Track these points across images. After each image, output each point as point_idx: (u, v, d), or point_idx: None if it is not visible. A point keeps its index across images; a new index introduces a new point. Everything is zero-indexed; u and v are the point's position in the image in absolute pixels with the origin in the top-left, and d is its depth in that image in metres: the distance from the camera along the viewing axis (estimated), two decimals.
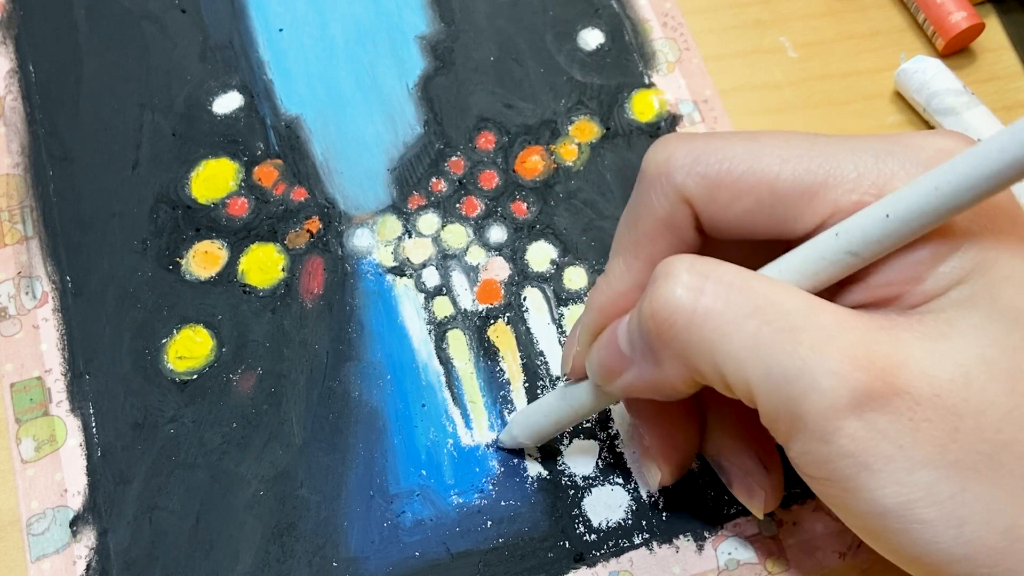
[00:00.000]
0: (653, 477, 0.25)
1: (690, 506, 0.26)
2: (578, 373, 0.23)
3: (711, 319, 0.18)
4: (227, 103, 0.31)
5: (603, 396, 0.23)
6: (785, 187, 0.19)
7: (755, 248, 0.21)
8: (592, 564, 0.25)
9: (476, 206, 0.30)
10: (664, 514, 0.26)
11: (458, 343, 0.28)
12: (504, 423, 0.27)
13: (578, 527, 0.26)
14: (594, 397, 0.23)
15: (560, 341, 0.28)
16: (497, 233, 0.30)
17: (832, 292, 0.19)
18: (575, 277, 0.29)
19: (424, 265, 0.29)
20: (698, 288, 0.18)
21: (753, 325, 0.18)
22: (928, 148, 0.18)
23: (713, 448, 0.24)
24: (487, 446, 0.27)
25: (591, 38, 0.33)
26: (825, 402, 0.17)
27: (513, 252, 0.29)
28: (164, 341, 0.28)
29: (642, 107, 0.32)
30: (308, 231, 0.29)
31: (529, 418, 0.25)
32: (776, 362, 0.17)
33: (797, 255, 0.19)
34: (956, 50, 0.33)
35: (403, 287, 0.29)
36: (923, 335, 0.17)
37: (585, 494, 0.26)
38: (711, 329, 0.18)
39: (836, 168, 0.18)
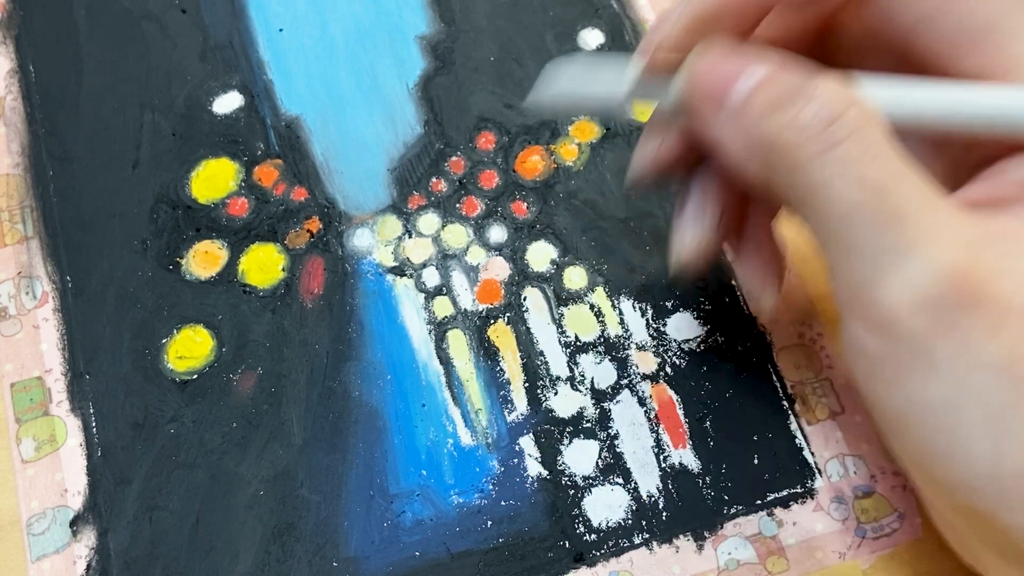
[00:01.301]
0: (691, 240, 0.23)
1: (690, 506, 0.26)
2: (660, 63, 0.21)
3: (828, 170, 0.17)
4: (227, 103, 0.31)
5: (678, 106, 0.20)
6: (973, 22, 0.18)
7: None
8: (592, 564, 0.25)
9: (476, 206, 0.30)
10: (664, 514, 0.26)
11: (458, 343, 0.28)
12: (504, 422, 0.27)
13: (578, 527, 0.26)
14: (672, 97, 0.20)
15: (560, 341, 0.28)
16: (497, 233, 0.30)
17: (965, 175, 0.19)
18: (575, 277, 0.29)
19: (424, 265, 0.29)
20: (831, 131, 0.17)
21: (862, 195, 0.17)
22: None
23: (697, 177, 0.23)
24: (487, 446, 0.27)
25: (591, 38, 0.33)
26: (905, 292, 0.16)
27: (513, 252, 0.29)
28: (164, 341, 0.28)
29: (642, 107, 0.32)
30: (308, 231, 0.29)
31: (583, 72, 0.22)
32: (867, 238, 0.17)
33: (939, 91, 0.18)
34: None
35: (403, 287, 0.29)
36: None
37: (585, 494, 0.26)
38: (823, 183, 0.17)
39: (1007, 20, 0.18)
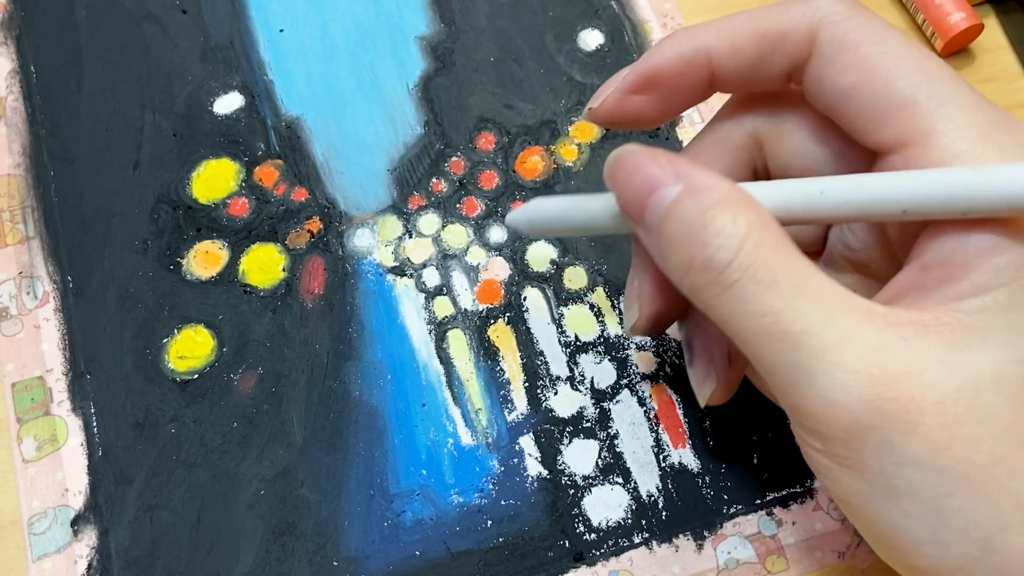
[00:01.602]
0: (631, 318, 0.24)
1: (690, 506, 0.26)
2: (603, 116, 0.22)
3: (740, 290, 0.18)
4: (228, 103, 0.31)
5: (622, 219, 0.21)
6: (899, 92, 0.18)
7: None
8: (592, 563, 0.25)
9: (476, 206, 0.30)
10: (664, 514, 0.26)
11: (458, 343, 0.28)
12: (504, 422, 0.27)
13: (578, 527, 0.26)
14: (617, 216, 0.21)
15: (560, 341, 0.28)
16: (497, 233, 0.30)
17: (894, 264, 0.19)
18: (575, 277, 0.29)
19: (424, 265, 0.29)
20: (735, 249, 0.18)
21: (755, 324, 0.18)
22: None
23: (692, 323, 0.23)
24: (487, 446, 0.27)
25: (591, 39, 0.33)
26: (824, 407, 0.17)
27: (513, 252, 0.29)
28: (165, 341, 0.28)
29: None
30: (308, 231, 0.29)
31: (546, 208, 0.23)
32: (785, 356, 0.17)
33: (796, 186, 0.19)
34: (955, 50, 0.34)
35: (403, 287, 0.29)
36: (946, 343, 0.17)
37: (585, 494, 0.26)
38: (727, 312, 0.18)
39: (950, 109, 0.18)
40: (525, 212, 0.23)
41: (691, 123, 0.31)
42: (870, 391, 0.17)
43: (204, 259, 0.29)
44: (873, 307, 0.18)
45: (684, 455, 0.27)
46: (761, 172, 0.23)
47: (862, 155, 0.20)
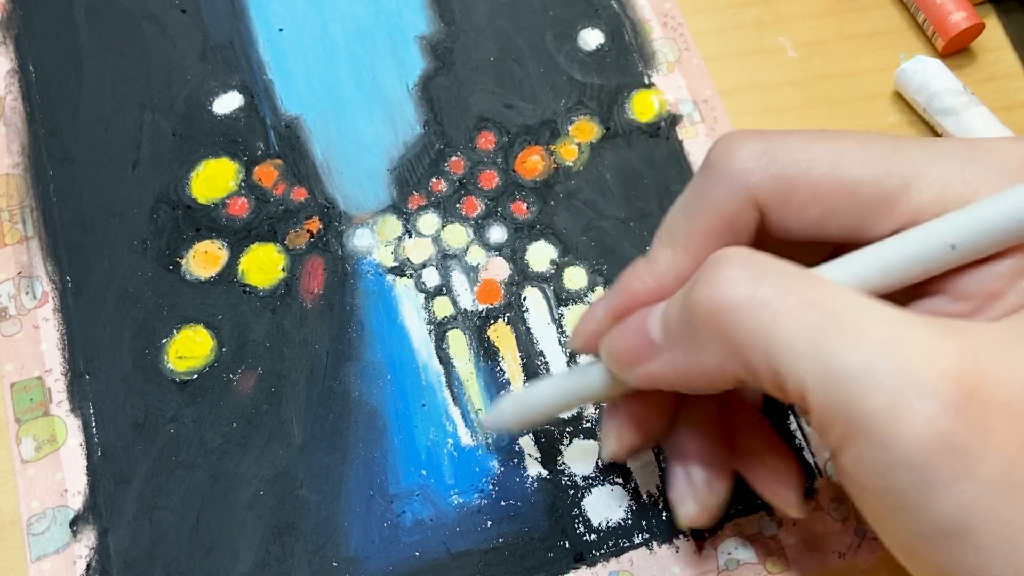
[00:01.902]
0: (609, 447, 0.23)
1: None
2: (588, 350, 0.22)
3: (769, 307, 0.17)
4: (227, 103, 0.31)
5: (615, 383, 0.22)
6: (867, 192, 0.18)
7: (815, 249, 0.20)
8: (592, 564, 0.25)
9: (476, 206, 0.30)
10: (664, 514, 0.26)
11: (458, 343, 0.28)
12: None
13: (578, 527, 0.26)
14: (605, 383, 0.22)
15: (560, 341, 0.28)
16: (497, 233, 0.30)
17: (908, 301, 0.18)
18: (575, 277, 0.29)
19: (424, 265, 0.29)
20: (758, 276, 0.17)
21: (815, 316, 0.16)
22: (1015, 156, 0.17)
23: (671, 443, 0.23)
24: (487, 446, 0.27)
25: (591, 38, 0.33)
26: (889, 400, 0.16)
27: (513, 252, 0.29)
28: (164, 341, 0.28)
29: (642, 107, 0.32)
30: (308, 231, 0.29)
31: (525, 402, 0.24)
32: (837, 357, 0.16)
33: (861, 256, 0.18)
34: (956, 50, 0.34)
35: (403, 287, 0.29)
36: (998, 339, 0.16)
37: (585, 494, 0.26)
38: (769, 317, 0.17)
39: (920, 174, 0.18)
40: (505, 412, 0.24)
41: (691, 122, 0.31)
42: (944, 384, 0.15)
43: (203, 259, 0.29)
44: (911, 314, 0.17)
45: None
46: (751, 236, 0.21)
47: None
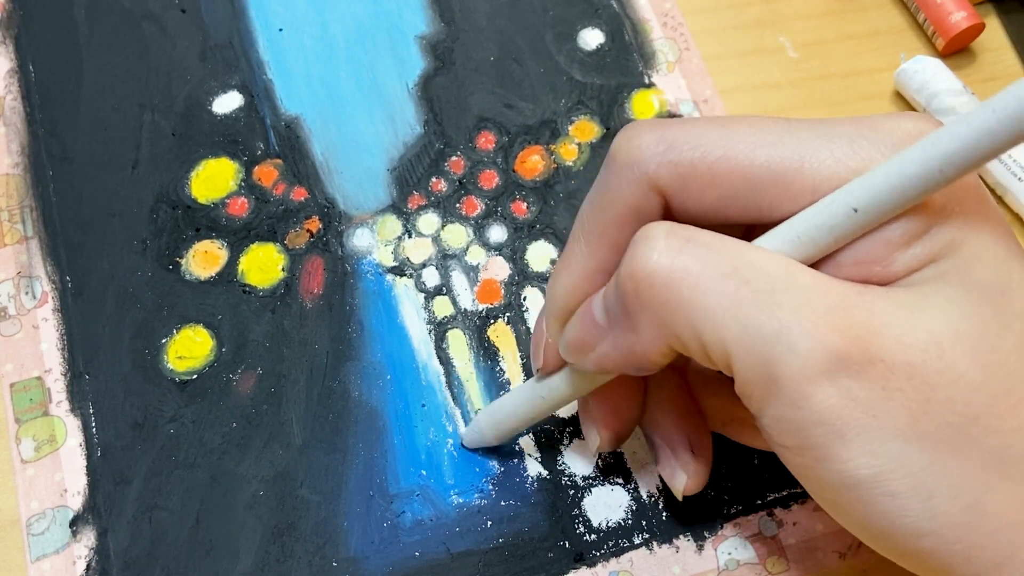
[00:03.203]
0: (593, 442, 0.24)
1: (690, 506, 0.26)
2: (551, 365, 0.23)
3: (689, 278, 0.18)
4: (227, 103, 0.31)
5: (577, 381, 0.23)
6: (760, 174, 0.18)
7: (728, 232, 0.20)
8: (592, 564, 0.25)
9: (476, 206, 0.30)
10: (664, 514, 0.26)
11: (458, 343, 0.28)
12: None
13: (578, 527, 0.26)
14: (568, 384, 0.23)
15: None
16: (497, 233, 0.30)
17: None
18: None
19: (424, 265, 0.29)
20: (677, 249, 0.18)
21: (732, 285, 0.17)
22: (899, 131, 0.18)
23: (649, 423, 0.24)
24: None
25: (591, 38, 0.33)
26: (800, 364, 0.17)
27: (513, 252, 0.29)
28: (164, 341, 0.28)
29: (642, 107, 0.32)
30: (308, 231, 0.29)
31: (498, 413, 0.25)
32: (753, 322, 0.17)
33: (774, 233, 0.19)
34: (956, 50, 0.34)
35: (403, 287, 0.29)
36: (898, 305, 0.17)
37: (585, 494, 0.26)
38: (689, 288, 0.18)
39: (811, 154, 0.18)
40: (482, 426, 0.26)
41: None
42: (845, 348, 0.17)
43: (203, 259, 0.29)
44: (824, 274, 0.18)
45: None
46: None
47: None
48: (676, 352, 0.19)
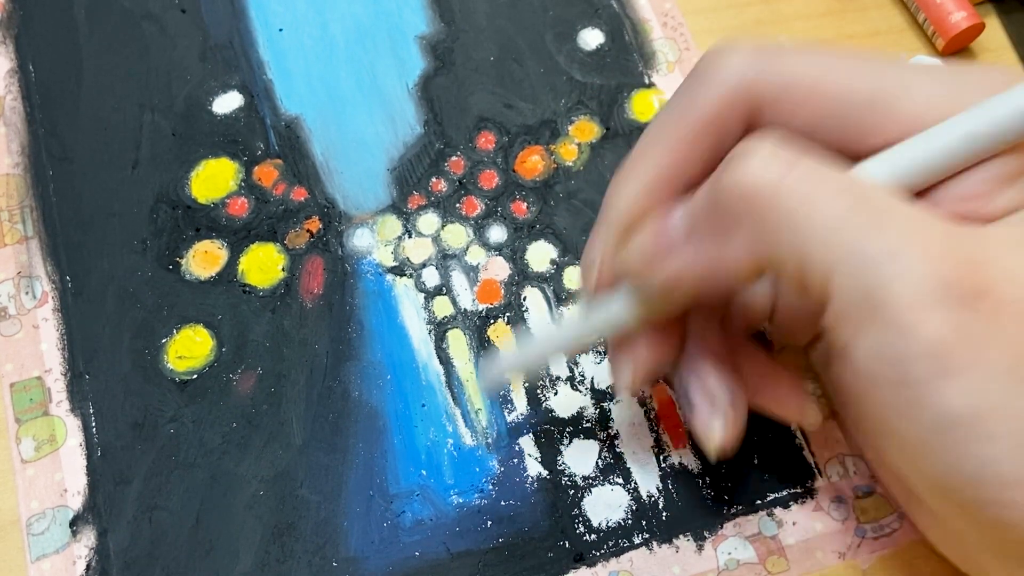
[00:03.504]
0: (623, 378, 0.23)
1: (690, 506, 0.26)
2: (605, 285, 0.22)
3: (799, 192, 0.17)
4: (227, 103, 0.31)
5: (632, 307, 0.21)
6: (859, 99, 0.18)
7: None
8: (592, 564, 0.25)
9: (476, 206, 0.30)
10: (664, 514, 0.26)
11: (458, 343, 0.28)
12: (504, 422, 0.27)
13: (578, 527, 0.26)
14: (620, 310, 0.21)
15: None
16: (497, 233, 0.30)
17: None
18: (575, 277, 0.29)
19: (424, 265, 0.29)
20: (790, 162, 0.17)
21: (844, 202, 0.17)
22: (996, 79, 0.18)
23: (687, 369, 0.23)
24: (487, 446, 0.27)
25: (591, 38, 0.33)
26: (913, 289, 0.16)
27: (513, 252, 0.29)
28: (164, 341, 0.28)
29: (642, 107, 0.32)
30: (308, 231, 0.29)
31: (531, 345, 0.24)
32: (864, 242, 0.16)
33: (888, 155, 0.18)
34: (956, 50, 0.33)
35: (403, 287, 0.29)
36: (1006, 239, 0.17)
37: (585, 494, 0.26)
38: (799, 202, 0.17)
39: (910, 86, 0.18)
40: (506, 358, 0.25)
41: None
42: (960, 277, 0.16)
43: (203, 259, 0.29)
44: (933, 210, 0.17)
45: (684, 455, 0.27)
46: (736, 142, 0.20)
47: None
48: (761, 273, 0.18)
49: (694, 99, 0.19)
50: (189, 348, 0.27)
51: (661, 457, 0.27)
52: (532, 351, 0.24)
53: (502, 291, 0.29)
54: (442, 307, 0.28)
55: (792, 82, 0.19)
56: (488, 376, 0.25)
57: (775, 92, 0.19)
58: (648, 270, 0.20)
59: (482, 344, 0.28)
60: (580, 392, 0.27)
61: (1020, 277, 0.16)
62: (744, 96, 0.19)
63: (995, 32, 0.34)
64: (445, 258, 0.29)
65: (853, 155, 0.19)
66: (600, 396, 0.27)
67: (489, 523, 0.26)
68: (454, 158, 0.31)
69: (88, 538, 0.25)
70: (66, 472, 0.26)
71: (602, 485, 0.26)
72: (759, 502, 0.26)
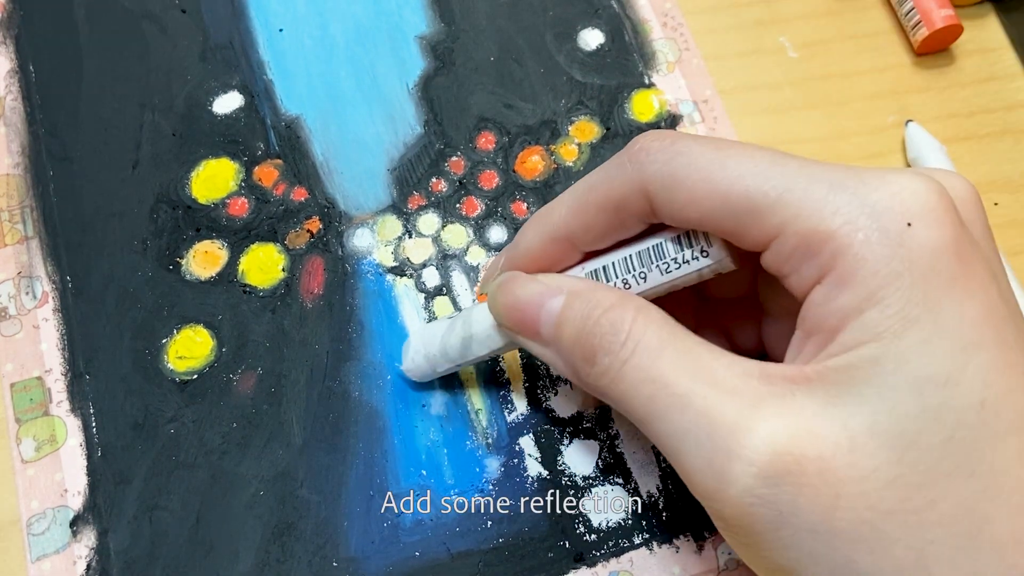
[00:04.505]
0: (578, 401, 0.26)
1: (690, 506, 0.26)
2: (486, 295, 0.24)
3: (634, 364, 0.19)
4: (227, 103, 0.31)
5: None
6: (736, 201, 0.19)
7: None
8: (592, 564, 0.25)
9: (476, 206, 0.30)
10: (664, 514, 0.26)
11: None
12: (504, 422, 0.27)
13: (578, 527, 0.26)
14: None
15: None
16: (497, 233, 0.30)
17: (786, 331, 0.20)
18: None
19: (424, 265, 0.29)
20: (627, 330, 0.20)
21: (650, 390, 0.19)
22: (883, 190, 0.18)
23: None
24: (487, 446, 0.27)
25: (591, 38, 0.33)
26: (713, 474, 0.18)
27: None
28: (164, 341, 0.28)
29: (642, 107, 0.32)
30: (308, 231, 0.29)
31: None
32: (672, 422, 0.18)
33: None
34: (936, 49, 0.34)
35: (403, 287, 0.29)
36: (821, 396, 0.17)
37: (585, 494, 0.26)
38: (628, 371, 0.19)
39: (788, 192, 0.18)
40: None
41: (691, 122, 0.31)
42: (753, 447, 0.17)
43: (203, 259, 0.29)
44: (753, 365, 0.19)
45: None
46: (635, 223, 0.22)
47: None
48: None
49: (606, 179, 0.21)
50: (189, 348, 0.27)
51: (661, 457, 0.27)
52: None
53: None
54: (442, 307, 0.28)
55: (683, 180, 0.20)
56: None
57: (668, 187, 0.20)
58: (507, 324, 0.23)
59: None
60: (580, 392, 0.27)
61: (820, 434, 0.17)
62: (641, 192, 0.20)
63: (995, 32, 0.34)
64: (445, 258, 0.29)
65: (740, 247, 0.20)
66: None
67: (489, 523, 0.26)
68: (454, 158, 0.31)
69: (88, 538, 0.25)
70: (66, 472, 0.26)
71: (602, 485, 0.26)
72: None
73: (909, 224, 0.17)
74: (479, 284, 0.24)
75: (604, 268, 0.22)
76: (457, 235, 0.30)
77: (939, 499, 0.16)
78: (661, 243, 0.21)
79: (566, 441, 0.27)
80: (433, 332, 0.26)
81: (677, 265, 0.21)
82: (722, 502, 0.18)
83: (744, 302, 0.24)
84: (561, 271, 0.23)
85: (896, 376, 0.17)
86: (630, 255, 0.22)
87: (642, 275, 0.22)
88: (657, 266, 0.22)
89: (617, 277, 0.22)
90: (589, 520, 0.26)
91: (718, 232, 0.20)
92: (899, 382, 0.17)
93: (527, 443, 0.27)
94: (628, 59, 0.32)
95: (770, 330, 0.24)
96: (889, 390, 0.17)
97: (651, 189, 0.20)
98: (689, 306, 0.25)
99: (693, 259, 0.21)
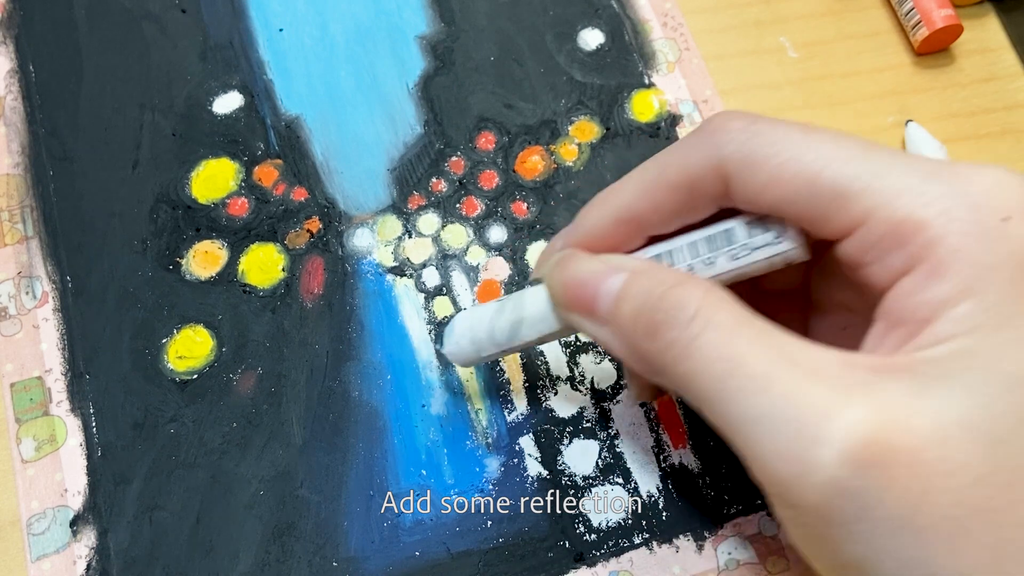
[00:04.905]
0: (633, 392, 0.25)
1: (690, 506, 0.26)
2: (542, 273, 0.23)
3: (705, 342, 0.18)
4: (227, 103, 0.31)
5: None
6: (824, 185, 0.18)
7: None
8: (592, 564, 0.25)
9: (476, 206, 0.30)
10: (664, 514, 0.26)
11: None
12: (504, 422, 0.27)
13: (578, 527, 0.26)
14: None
15: (560, 341, 0.28)
16: (497, 233, 0.30)
17: (865, 323, 0.19)
18: None
19: (424, 265, 0.29)
20: (696, 306, 0.18)
21: (724, 367, 0.18)
22: (978, 183, 0.17)
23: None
24: (487, 446, 0.27)
25: (591, 38, 0.33)
26: (789, 464, 0.17)
27: (513, 252, 0.29)
28: (164, 341, 0.28)
29: (642, 107, 0.32)
30: (308, 231, 0.29)
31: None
32: (749, 405, 0.17)
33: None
34: (935, 50, 0.34)
35: (403, 287, 0.29)
36: (910, 387, 0.17)
37: (585, 494, 0.26)
38: (698, 348, 0.18)
39: (879, 179, 0.18)
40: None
41: (691, 122, 0.31)
42: (841, 434, 0.16)
43: (203, 259, 0.29)
44: (833, 352, 0.18)
45: (684, 455, 0.27)
46: (708, 204, 0.21)
47: None
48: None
49: (680, 157, 0.21)
50: (189, 348, 0.27)
51: (661, 457, 0.27)
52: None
53: (502, 291, 0.29)
54: (442, 307, 0.28)
55: (766, 160, 0.19)
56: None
57: (749, 167, 0.19)
58: (563, 302, 0.22)
59: None
60: (580, 392, 0.27)
61: (910, 426, 0.16)
62: (718, 170, 0.20)
63: (995, 32, 0.34)
64: (445, 258, 0.29)
65: (817, 236, 0.19)
66: (600, 396, 0.27)
67: (489, 523, 0.26)
68: (454, 158, 0.31)
69: (88, 538, 0.25)
70: (66, 472, 0.26)
71: (602, 485, 0.26)
72: (759, 502, 0.26)
73: (1007, 218, 0.17)
74: (534, 268, 0.23)
75: (669, 252, 0.21)
76: (457, 235, 0.30)
77: (1021, 500, 0.16)
78: (732, 228, 0.20)
79: (566, 441, 0.27)
80: (481, 314, 0.24)
81: (747, 252, 0.20)
82: (802, 489, 0.17)
83: (791, 295, 0.24)
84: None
85: (989, 372, 0.16)
86: (697, 240, 0.21)
87: (709, 261, 0.20)
88: (726, 252, 0.20)
89: (683, 262, 0.21)
90: (589, 520, 0.26)
91: (795, 217, 0.19)
92: (992, 378, 0.16)
93: (527, 443, 0.27)
94: (628, 59, 0.32)
95: (818, 325, 0.23)
96: (982, 385, 0.16)
97: (729, 168, 0.19)
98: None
99: (765, 245, 0.20)
